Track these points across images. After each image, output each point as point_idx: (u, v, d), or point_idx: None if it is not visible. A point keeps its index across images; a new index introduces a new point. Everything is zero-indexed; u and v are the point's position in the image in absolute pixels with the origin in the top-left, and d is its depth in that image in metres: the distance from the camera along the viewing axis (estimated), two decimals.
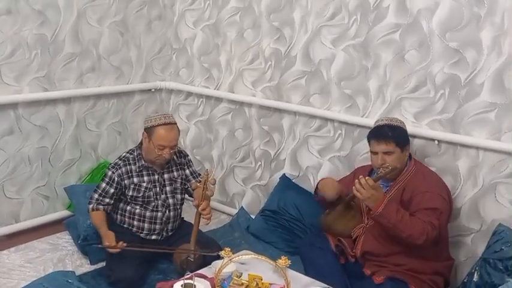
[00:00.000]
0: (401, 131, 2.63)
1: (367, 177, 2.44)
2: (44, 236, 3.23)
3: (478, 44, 2.66)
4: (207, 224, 2.82)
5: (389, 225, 2.43)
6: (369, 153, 3.03)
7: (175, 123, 2.83)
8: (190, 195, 2.98)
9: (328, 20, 3.15)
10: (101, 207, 2.84)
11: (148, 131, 2.78)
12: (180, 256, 2.69)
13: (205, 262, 2.57)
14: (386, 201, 2.43)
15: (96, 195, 2.85)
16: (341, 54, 3.13)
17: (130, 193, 2.84)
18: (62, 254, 3.06)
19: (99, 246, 2.70)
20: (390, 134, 2.57)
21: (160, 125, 2.76)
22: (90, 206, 2.85)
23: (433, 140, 2.85)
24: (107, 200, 2.84)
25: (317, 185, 2.82)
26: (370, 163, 2.86)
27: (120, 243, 2.66)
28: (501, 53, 2.60)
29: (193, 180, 2.96)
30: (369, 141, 2.67)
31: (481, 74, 2.67)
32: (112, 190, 2.83)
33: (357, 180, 2.44)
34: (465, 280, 2.67)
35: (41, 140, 3.32)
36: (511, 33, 2.55)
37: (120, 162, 2.85)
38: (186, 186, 2.99)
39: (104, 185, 2.84)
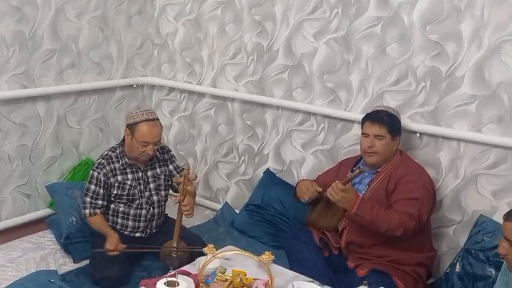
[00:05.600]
0: (396, 120, 2.68)
1: (336, 181, 2.47)
2: (26, 235, 3.19)
3: (458, 36, 2.67)
4: (190, 217, 2.81)
5: (366, 223, 2.46)
6: (351, 147, 3.07)
7: (158, 119, 2.81)
8: (176, 191, 2.95)
9: (309, 14, 3.14)
10: (97, 210, 2.80)
11: (131, 127, 2.75)
12: (164, 252, 2.68)
13: (192, 258, 2.56)
14: (360, 200, 2.45)
15: (88, 199, 2.80)
16: (323, 48, 3.12)
17: (115, 191, 2.81)
18: (44, 253, 3.03)
19: (99, 250, 2.68)
20: (386, 119, 2.62)
21: (143, 121, 2.73)
22: (87, 211, 2.80)
23: (414, 132, 2.86)
24: (100, 202, 2.80)
25: (295, 187, 2.82)
26: (354, 156, 2.88)
27: (120, 245, 2.68)
28: (481, 45, 2.62)
29: (177, 175, 2.94)
30: (362, 124, 2.69)
31: (461, 66, 2.69)
32: (102, 191, 2.79)
33: (331, 185, 2.48)
34: (447, 271, 2.70)
35: (21, 138, 3.27)
36: (490, 26, 2.57)
37: (103, 161, 2.81)
38: (170, 182, 2.96)
39: (92, 186, 2.79)
